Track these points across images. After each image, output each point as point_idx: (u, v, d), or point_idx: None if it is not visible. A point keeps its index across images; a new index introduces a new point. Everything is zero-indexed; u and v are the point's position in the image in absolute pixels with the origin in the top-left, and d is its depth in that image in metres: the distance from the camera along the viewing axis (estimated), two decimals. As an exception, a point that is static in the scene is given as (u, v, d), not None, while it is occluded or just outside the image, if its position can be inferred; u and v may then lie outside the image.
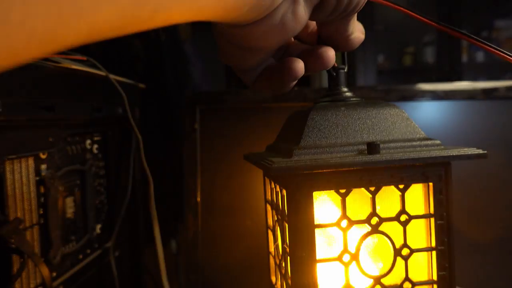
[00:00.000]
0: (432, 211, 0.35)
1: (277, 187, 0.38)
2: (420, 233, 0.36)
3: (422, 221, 0.36)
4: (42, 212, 0.47)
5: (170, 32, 0.99)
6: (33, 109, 0.44)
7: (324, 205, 0.36)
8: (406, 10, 0.37)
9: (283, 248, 0.37)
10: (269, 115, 0.75)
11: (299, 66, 0.31)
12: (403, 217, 0.34)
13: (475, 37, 0.35)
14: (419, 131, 0.36)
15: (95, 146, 0.62)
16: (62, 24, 0.15)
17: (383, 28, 1.98)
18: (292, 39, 0.36)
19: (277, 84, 0.32)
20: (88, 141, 0.60)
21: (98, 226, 0.63)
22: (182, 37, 1.06)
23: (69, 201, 0.54)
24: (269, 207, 0.44)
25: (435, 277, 0.35)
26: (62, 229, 0.51)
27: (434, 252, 0.35)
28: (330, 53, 0.32)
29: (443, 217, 0.35)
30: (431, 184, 0.35)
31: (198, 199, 0.76)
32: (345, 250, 0.34)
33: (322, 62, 0.32)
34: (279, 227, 0.38)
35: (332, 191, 0.34)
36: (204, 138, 0.77)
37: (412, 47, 2.05)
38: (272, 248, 0.44)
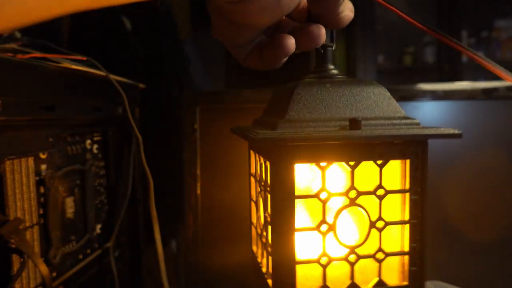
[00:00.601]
0: (407, 186, 0.36)
1: (261, 159, 0.39)
2: (395, 207, 0.38)
3: (398, 196, 0.37)
4: (42, 212, 0.47)
5: (170, 32, 0.99)
6: (33, 109, 0.44)
7: (307, 177, 0.37)
8: (401, 14, 0.37)
9: (264, 217, 0.38)
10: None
11: (290, 42, 0.31)
12: (380, 191, 0.36)
13: (465, 47, 0.35)
14: (399, 110, 0.37)
15: (95, 146, 0.62)
16: None
17: (383, 28, 1.97)
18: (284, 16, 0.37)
19: (268, 60, 0.33)
20: (88, 141, 0.60)
21: (98, 226, 0.63)
22: (182, 37, 1.06)
23: (69, 201, 0.54)
24: (252, 180, 0.45)
25: (406, 249, 0.37)
26: (62, 229, 0.51)
27: (407, 226, 0.37)
28: (321, 31, 0.33)
29: (418, 193, 0.36)
30: (408, 161, 0.36)
31: (198, 199, 0.76)
32: (323, 221, 0.35)
33: (312, 39, 0.33)
34: (262, 198, 0.40)
35: (313, 164, 0.35)
36: (204, 138, 0.77)
37: (412, 47, 2.05)
38: (254, 219, 0.45)
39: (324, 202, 0.35)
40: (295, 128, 0.34)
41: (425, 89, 0.78)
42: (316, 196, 0.35)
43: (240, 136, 0.38)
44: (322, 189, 0.35)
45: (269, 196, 0.35)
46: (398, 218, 0.37)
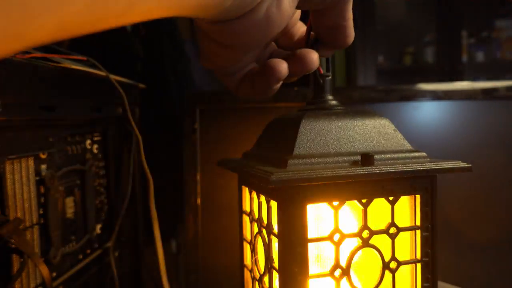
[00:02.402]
0: (418, 223, 0.35)
1: (261, 197, 0.37)
2: (405, 245, 0.36)
3: (408, 233, 0.36)
4: (42, 212, 0.47)
5: (170, 32, 0.99)
6: (33, 109, 0.44)
7: (316, 218, 0.35)
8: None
9: (267, 263, 0.36)
10: (269, 115, 0.75)
11: (282, 66, 0.30)
12: (392, 230, 0.34)
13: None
14: (405, 143, 0.36)
15: (95, 146, 0.62)
16: (27, 20, 0.14)
17: (383, 28, 1.98)
18: (275, 46, 0.35)
19: (260, 87, 0.31)
20: (88, 141, 0.60)
21: (98, 226, 0.63)
22: (182, 37, 1.06)
23: (69, 201, 0.54)
24: (246, 218, 0.42)
25: None
26: (62, 229, 0.51)
27: (419, 264, 0.36)
28: (313, 55, 0.31)
29: (428, 229, 0.35)
30: (418, 196, 0.35)
31: (198, 199, 0.76)
32: (337, 265, 0.33)
33: (304, 64, 0.31)
34: (262, 240, 0.37)
35: (325, 203, 0.33)
36: (204, 138, 0.77)
37: (412, 47, 2.05)
38: (248, 261, 0.42)
39: (337, 245, 0.33)
40: (306, 165, 0.32)
41: (425, 89, 0.78)
42: (329, 238, 0.33)
43: (248, 175, 0.35)
44: (335, 231, 0.33)
45: (273, 239, 0.34)
46: (408, 255, 0.36)
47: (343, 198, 0.33)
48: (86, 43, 0.87)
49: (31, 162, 0.45)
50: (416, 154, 0.35)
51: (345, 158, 0.33)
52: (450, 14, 1.87)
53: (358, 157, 0.33)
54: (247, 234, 0.42)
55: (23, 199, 0.43)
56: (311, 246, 0.33)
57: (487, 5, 1.97)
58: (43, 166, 0.47)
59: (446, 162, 0.35)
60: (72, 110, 0.52)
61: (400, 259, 0.35)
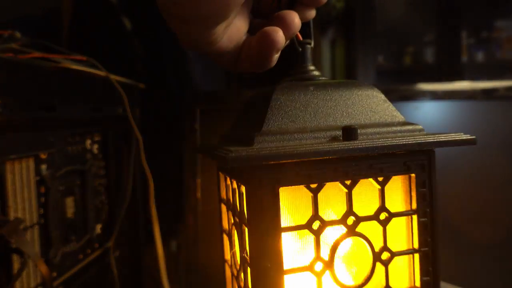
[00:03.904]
0: (414, 207, 0.31)
1: (234, 183, 0.32)
2: (401, 232, 0.32)
3: (403, 219, 0.31)
4: (42, 212, 0.47)
5: (170, 32, 0.99)
6: (33, 109, 0.44)
7: (289, 202, 0.29)
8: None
9: (241, 257, 0.31)
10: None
11: (279, 35, 0.27)
12: (383, 215, 0.30)
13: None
14: (398, 115, 0.32)
15: (95, 146, 0.62)
16: None
17: (383, 28, 1.98)
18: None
19: (259, 60, 0.28)
20: (88, 141, 0.60)
21: (98, 226, 0.63)
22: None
23: (69, 201, 0.54)
24: (224, 208, 0.38)
25: (418, 283, 0.31)
26: (62, 229, 0.51)
27: (416, 255, 0.31)
28: (293, 16, 0.28)
29: (427, 214, 0.31)
30: (413, 175, 0.30)
31: (198, 199, 0.76)
32: (318, 258, 0.29)
33: (284, 27, 0.27)
34: (237, 232, 0.32)
35: (301, 186, 0.28)
36: (204, 138, 0.77)
37: (412, 47, 2.05)
38: (228, 256, 0.38)
39: (317, 234, 0.28)
40: (276, 142, 0.28)
41: (425, 89, 0.78)
42: (307, 226, 0.28)
43: (208, 156, 0.31)
44: (314, 218, 0.28)
45: (246, 229, 0.28)
46: (405, 246, 0.31)
47: (323, 179, 0.28)
48: (86, 43, 0.87)
49: (31, 162, 0.45)
50: (410, 127, 0.31)
51: (325, 134, 0.29)
52: (450, 14, 1.87)
53: (340, 132, 0.29)
54: (226, 225, 0.38)
55: (23, 199, 0.43)
56: (286, 236, 0.28)
57: (487, 5, 1.97)
58: (43, 166, 0.47)
59: (445, 135, 0.30)
60: (72, 110, 0.52)
61: (394, 249, 0.30)
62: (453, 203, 0.78)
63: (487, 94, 0.78)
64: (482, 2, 1.97)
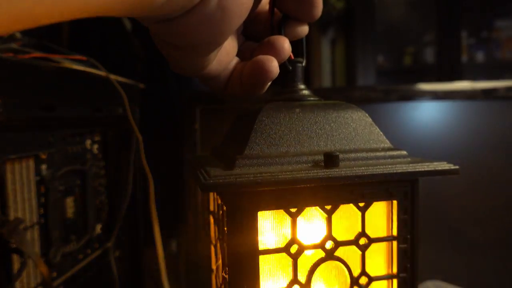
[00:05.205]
0: (395, 233, 0.31)
1: (219, 199, 0.32)
2: (380, 257, 0.32)
3: (383, 244, 0.32)
4: (42, 212, 0.47)
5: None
6: (33, 109, 0.44)
7: (269, 225, 0.30)
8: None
9: (223, 277, 0.31)
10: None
11: (273, 65, 0.27)
12: (363, 240, 0.30)
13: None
14: (383, 140, 0.32)
15: (95, 146, 0.62)
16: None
17: (383, 28, 1.98)
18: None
19: (252, 88, 0.28)
20: (88, 141, 0.60)
21: (98, 226, 0.63)
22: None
23: (69, 201, 0.54)
24: (212, 219, 0.38)
25: None
26: (62, 229, 0.51)
27: (395, 280, 0.31)
28: (284, 42, 0.28)
29: (407, 240, 0.31)
30: (395, 202, 0.31)
31: (198, 199, 0.76)
32: (295, 281, 0.29)
33: (274, 53, 0.27)
34: (220, 247, 0.33)
35: (281, 210, 0.28)
36: (204, 138, 0.77)
37: (412, 47, 2.06)
38: (214, 266, 0.38)
39: (294, 258, 0.28)
40: (257, 166, 0.28)
41: (425, 89, 0.78)
42: (285, 250, 0.28)
43: (192, 175, 0.31)
44: (293, 241, 0.28)
45: (226, 248, 0.29)
46: (384, 271, 0.31)
47: (303, 204, 0.28)
48: (86, 43, 0.87)
49: (31, 162, 0.45)
50: (394, 153, 0.31)
51: (307, 158, 0.29)
52: (450, 14, 1.87)
53: (322, 157, 0.29)
54: (213, 237, 0.38)
55: (23, 199, 0.43)
56: (263, 259, 0.28)
57: (487, 5, 1.97)
58: (43, 166, 0.47)
59: (428, 163, 0.30)
60: (72, 110, 0.52)
61: (372, 274, 0.31)
62: (452, 203, 0.78)
63: (487, 94, 0.78)
64: (482, 2, 1.97)
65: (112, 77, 0.60)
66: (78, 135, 0.57)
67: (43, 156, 0.47)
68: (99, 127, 0.63)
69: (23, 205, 0.43)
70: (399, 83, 0.88)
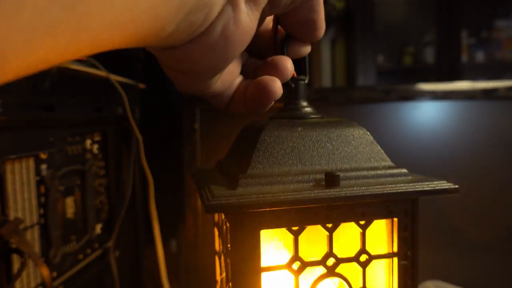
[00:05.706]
0: (395, 249, 0.32)
1: (222, 214, 0.32)
2: (380, 273, 0.33)
3: (384, 260, 0.32)
4: (42, 212, 0.47)
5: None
6: (33, 109, 0.44)
7: (272, 242, 0.31)
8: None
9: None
10: (269, 115, 0.75)
11: (277, 85, 0.27)
12: (363, 257, 0.30)
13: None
14: (384, 158, 0.32)
15: (95, 146, 0.62)
16: None
17: (383, 28, 1.98)
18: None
19: (255, 108, 0.29)
20: (88, 141, 0.60)
21: (98, 226, 0.63)
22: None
23: (69, 201, 0.54)
24: (216, 231, 0.39)
25: None
26: (62, 229, 0.51)
27: None
28: (287, 63, 0.29)
29: (407, 257, 0.32)
30: (395, 219, 0.31)
31: (198, 199, 0.76)
32: None
33: (278, 73, 0.28)
34: (224, 261, 0.33)
35: (283, 229, 0.29)
36: (204, 138, 0.77)
37: (412, 47, 2.06)
38: (218, 278, 0.39)
39: (296, 275, 0.29)
40: (260, 186, 0.28)
41: (425, 89, 0.78)
42: (287, 267, 0.29)
43: (198, 192, 0.32)
44: (294, 258, 0.29)
45: (229, 263, 0.30)
46: (384, 286, 0.32)
47: (304, 222, 0.29)
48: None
49: (31, 162, 0.45)
50: (395, 171, 0.31)
51: (309, 177, 0.30)
52: (450, 14, 1.87)
53: (324, 175, 0.30)
54: (217, 248, 0.39)
55: (23, 199, 0.43)
56: (266, 276, 0.29)
57: (487, 5, 1.97)
58: (43, 166, 0.47)
59: (428, 183, 0.31)
60: (72, 110, 0.52)
61: None
62: (453, 203, 0.78)
63: (487, 94, 0.78)
64: (482, 2, 1.97)
65: (112, 77, 0.60)
66: (78, 135, 0.57)
67: (43, 156, 0.47)
68: (99, 127, 0.63)
69: (23, 205, 0.43)
70: (399, 83, 0.88)
